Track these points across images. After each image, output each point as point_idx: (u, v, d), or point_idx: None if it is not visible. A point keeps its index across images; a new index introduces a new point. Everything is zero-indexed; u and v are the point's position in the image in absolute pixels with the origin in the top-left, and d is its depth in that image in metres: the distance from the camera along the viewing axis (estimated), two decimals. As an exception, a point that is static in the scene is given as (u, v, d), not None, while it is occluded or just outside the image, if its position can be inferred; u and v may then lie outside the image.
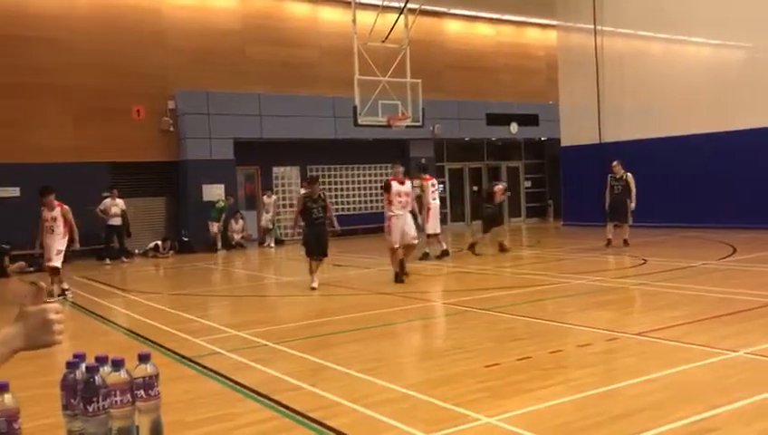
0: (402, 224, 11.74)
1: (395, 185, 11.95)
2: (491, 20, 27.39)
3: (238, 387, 5.57)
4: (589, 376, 5.49)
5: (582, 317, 8.03)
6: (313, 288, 11.07)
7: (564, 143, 23.35)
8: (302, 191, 20.96)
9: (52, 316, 1.74)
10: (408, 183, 12.20)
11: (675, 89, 19.22)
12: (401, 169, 12.67)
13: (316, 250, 11.38)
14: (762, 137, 17.24)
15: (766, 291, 8.73)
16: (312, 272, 11.30)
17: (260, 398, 5.22)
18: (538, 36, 28.60)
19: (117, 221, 17.90)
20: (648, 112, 19.85)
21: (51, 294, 9.58)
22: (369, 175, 24.61)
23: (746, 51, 18.65)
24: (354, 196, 24.31)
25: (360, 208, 24.38)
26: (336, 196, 23.92)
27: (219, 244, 20.04)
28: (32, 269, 15.87)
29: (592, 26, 21.96)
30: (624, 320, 7.44)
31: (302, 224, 11.64)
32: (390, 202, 11.87)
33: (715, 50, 19.52)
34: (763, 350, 5.84)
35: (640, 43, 21.30)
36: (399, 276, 11.44)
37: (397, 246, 11.59)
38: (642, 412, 4.49)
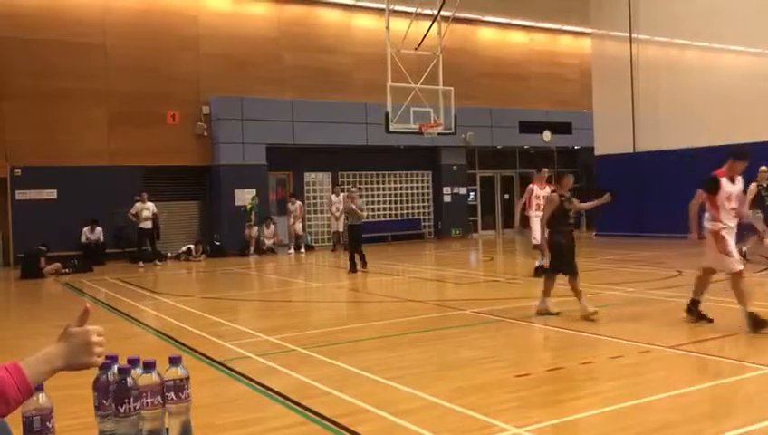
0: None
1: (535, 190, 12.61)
2: (524, 27, 27.26)
3: (267, 391, 5.60)
4: (620, 388, 5.40)
5: (614, 329, 7.91)
6: (556, 313, 8.59)
7: (598, 152, 23.10)
8: (334, 197, 21.20)
9: (94, 338, 1.77)
10: (547, 188, 11.95)
11: (712, 98, 18.89)
12: (546, 172, 12.86)
13: (571, 264, 8.62)
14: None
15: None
16: (578, 295, 8.42)
17: (288, 402, 5.23)
18: (571, 44, 28.38)
19: (148, 225, 18.12)
20: (685, 122, 19.53)
21: None
22: (401, 181, 24.62)
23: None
24: (385, 202, 24.33)
25: (391, 215, 24.39)
26: (367, 202, 23.98)
27: (252, 248, 20.21)
28: (67, 271, 16.15)
29: (627, 34, 21.72)
30: (657, 332, 7.31)
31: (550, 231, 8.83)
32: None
33: (755, 58, 19.15)
34: None
35: (676, 52, 21.00)
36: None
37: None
38: (674, 427, 4.41)
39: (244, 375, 6.14)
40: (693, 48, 20.58)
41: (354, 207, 14.80)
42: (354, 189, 15.91)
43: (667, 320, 8.15)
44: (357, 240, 14.85)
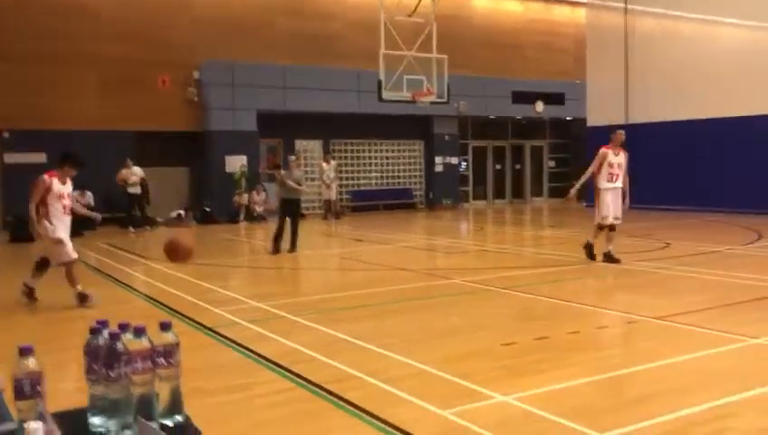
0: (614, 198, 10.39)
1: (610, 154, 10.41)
2: (520, -4, 27.01)
3: (256, 357, 5.65)
4: (606, 358, 5.48)
5: (602, 299, 8.00)
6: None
7: (590, 123, 23.07)
8: (325, 165, 21.09)
9: None
10: (622, 154, 10.48)
11: (706, 71, 18.87)
12: (622, 135, 10.74)
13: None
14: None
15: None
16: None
17: (278, 368, 5.29)
18: (567, 14, 28.13)
19: (136, 190, 18.04)
20: (678, 94, 19.51)
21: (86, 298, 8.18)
22: (393, 150, 24.55)
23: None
24: (377, 171, 24.29)
25: (383, 184, 24.37)
26: (359, 171, 23.92)
27: (242, 215, 20.19)
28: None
29: (623, 5, 21.57)
30: (644, 303, 7.39)
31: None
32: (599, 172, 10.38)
33: (749, 31, 19.07)
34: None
35: (671, 24, 20.87)
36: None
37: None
38: (659, 397, 4.49)
39: (233, 341, 6.18)
40: (687, 20, 20.45)
41: (290, 181, 12.86)
42: (293, 158, 13.91)
43: (655, 291, 8.24)
44: (293, 217, 12.83)
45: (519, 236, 15.68)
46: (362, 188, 23.93)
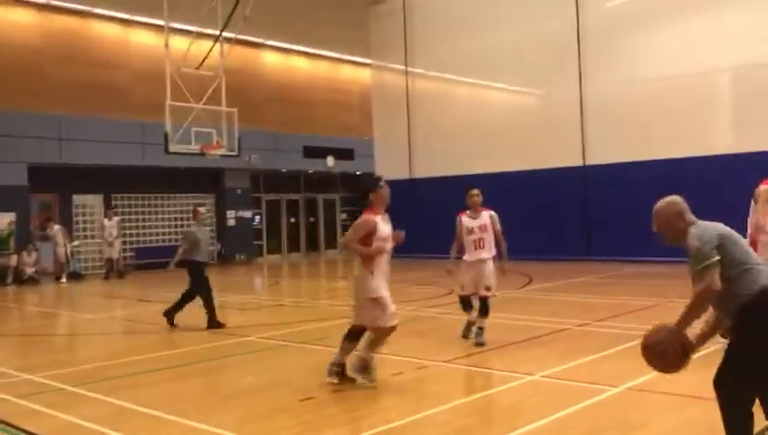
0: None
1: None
2: (307, 54, 27.82)
3: (27, 437, 5.03)
4: (401, 405, 5.62)
5: (395, 346, 8.23)
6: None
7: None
8: (107, 222, 19.78)
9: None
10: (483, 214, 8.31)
11: (479, 129, 20.62)
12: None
13: None
14: (557, 176, 18.96)
15: (557, 317, 9.53)
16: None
17: (53, 448, 4.74)
18: (352, 73, 29.47)
19: None
20: (455, 151, 21.08)
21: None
22: (182, 205, 23.71)
23: (539, 97, 20.55)
24: (164, 227, 23.26)
25: (171, 240, 23.36)
26: (144, 226, 22.77)
27: (10, 278, 18.20)
28: None
29: (404, 67, 23.06)
30: (433, 348, 7.74)
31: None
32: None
33: (513, 95, 21.26)
34: (557, 372, 6.34)
35: (446, 86, 22.67)
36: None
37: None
38: (450, 438, 4.67)
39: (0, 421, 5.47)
40: (462, 83, 22.34)
41: (203, 237, 10.64)
42: (203, 210, 11.38)
43: (441, 336, 8.67)
44: (207, 284, 10.33)
45: (314, 289, 15.77)
46: (148, 245, 22.74)
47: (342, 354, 6.23)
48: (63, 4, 20.72)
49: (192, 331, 9.86)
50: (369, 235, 6.04)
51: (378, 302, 5.96)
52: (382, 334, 6.10)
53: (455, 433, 4.79)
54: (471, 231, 8.16)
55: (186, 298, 10.24)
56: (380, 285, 6.03)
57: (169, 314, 10.18)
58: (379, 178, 6.15)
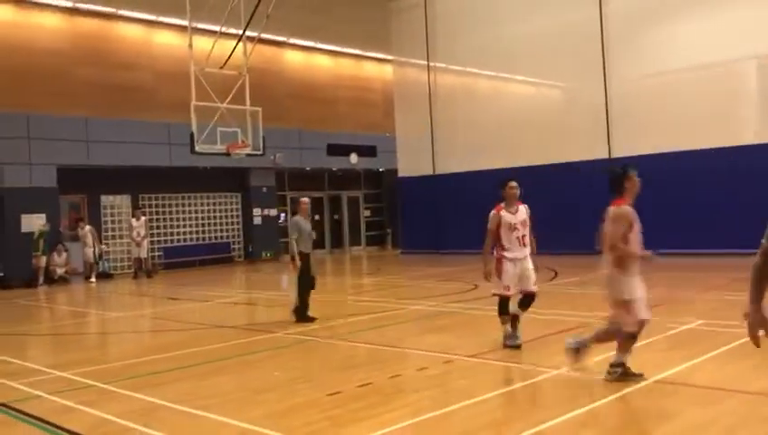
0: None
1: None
2: (330, 52, 27.88)
3: (63, 432, 5.14)
4: (426, 399, 5.64)
5: (420, 341, 8.26)
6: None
7: (401, 174, 24.13)
8: (134, 222, 20.04)
9: None
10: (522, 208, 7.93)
11: (502, 123, 20.50)
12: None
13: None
14: (571, 170, 18.81)
15: (582, 311, 9.48)
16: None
17: (86, 443, 4.84)
18: (374, 69, 29.48)
19: None
20: (478, 146, 20.99)
21: None
22: (208, 204, 23.95)
23: (563, 90, 20.38)
24: (191, 226, 23.51)
25: (198, 239, 23.61)
26: (171, 226, 23.03)
27: (41, 279, 18.53)
28: None
29: (425, 62, 23.01)
30: (458, 343, 7.74)
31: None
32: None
33: (537, 88, 21.12)
34: (585, 366, 6.30)
35: (469, 80, 22.57)
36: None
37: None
38: (476, 432, 4.68)
39: (35, 417, 5.59)
40: (483, 77, 22.25)
41: (309, 228, 10.38)
42: (306, 200, 10.66)
43: (467, 331, 8.67)
44: (311, 274, 10.36)
45: (340, 285, 15.83)
46: (176, 244, 23.01)
47: (621, 354, 5.73)
48: (90, 6, 20.99)
49: (218, 327, 9.97)
50: (628, 230, 5.54)
51: (628, 304, 5.57)
52: (615, 334, 5.71)
53: (481, 427, 4.79)
54: (514, 227, 7.62)
55: (302, 291, 10.02)
56: (634, 285, 5.61)
57: (301, 313, 9.96)
58: (629, 166, 5.69)
